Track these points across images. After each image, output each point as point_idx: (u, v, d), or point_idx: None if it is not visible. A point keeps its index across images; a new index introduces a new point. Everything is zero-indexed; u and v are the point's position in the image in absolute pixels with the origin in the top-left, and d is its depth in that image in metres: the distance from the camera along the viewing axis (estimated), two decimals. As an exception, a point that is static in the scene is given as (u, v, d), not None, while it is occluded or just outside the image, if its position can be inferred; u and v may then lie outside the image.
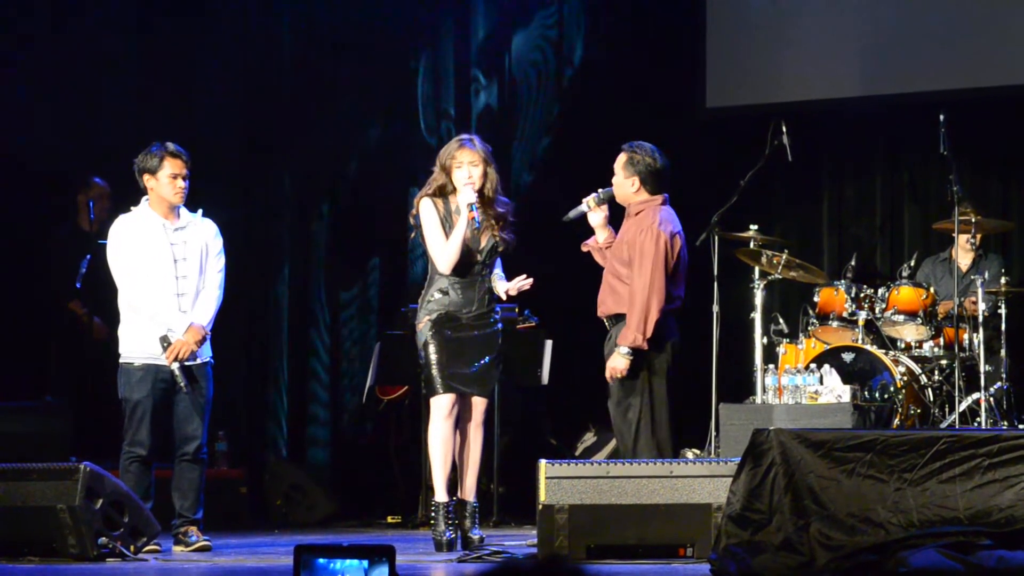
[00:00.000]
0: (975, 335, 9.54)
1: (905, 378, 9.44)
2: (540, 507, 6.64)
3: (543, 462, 6.71)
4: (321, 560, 4.71)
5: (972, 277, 9.75)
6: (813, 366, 9.24)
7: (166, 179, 7.86)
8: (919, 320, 9.71)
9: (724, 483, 6.32)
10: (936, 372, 9.73)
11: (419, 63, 11.57)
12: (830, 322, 9.82)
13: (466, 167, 7.63)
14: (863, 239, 11.33)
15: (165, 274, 7.83)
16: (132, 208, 7.97)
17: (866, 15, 11.18)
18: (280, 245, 11.48)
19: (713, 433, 9.29)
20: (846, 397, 8.99)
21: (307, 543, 4.85)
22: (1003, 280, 9.66)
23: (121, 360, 7.88)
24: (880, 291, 9.79)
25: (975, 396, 9.41)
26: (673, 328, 7.66)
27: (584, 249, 7.98)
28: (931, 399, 9.59)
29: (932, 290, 9.78)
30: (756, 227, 9.68)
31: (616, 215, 7.89)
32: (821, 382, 9.08)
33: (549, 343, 9.75)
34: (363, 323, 11.46)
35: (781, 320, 9.96)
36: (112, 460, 7.91)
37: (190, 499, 7.84)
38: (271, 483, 10.83)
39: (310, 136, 11.43)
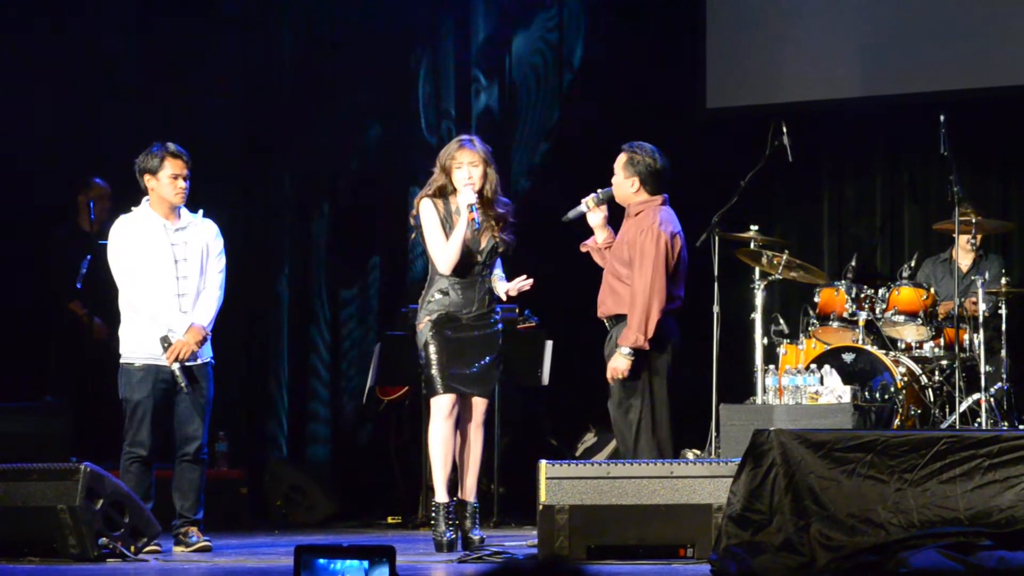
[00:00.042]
0: (975, 336, 9.54)
1: (905, 379, 9.44)
2: (540, 507, 6.64)
3: (543, 463, 6.71)
4: (321, 561, 4.71)
5: (972, 277, 9.75)
6: (813, 366, 9.24)
7: (167, 179, 7.85)
8: (919, 321, 9.71)
9: (724, 484, 6.32)
10: (936, 373, 9.73)
11: (419, 63, 11.57)
12: (830, 322, 9.82)
13: (466, 168, 7.63)
14: (863, 239, 11.34)
15: (166, 274, 7.83)
16: (133, 208, 7.97)
17: (866, 15, 11.18)
18: (280, 245, 11.48)
19: (713, 433, 9.28)
20: (846, 398, 8.99)
21: (307, 543, 4.85)
22: (1003, 280, 9.66)
23: (122, 360, 7.88)
24: (880, 291, 9.79)
25: (975, 397, 9.42)
26: (673, 328, 7.66)
27: (583, 249, 7.97)
28: (931, 400, 9.59)
29: (932, 290, 9.78)
30: (756, 227, 9.68)
31: (615, 215, 7.88)
32: (821, 383, 9.08)
33: (549, 343, 9.74)
34: (363, 324, 11.45)
35: (781, 320, 9.96)
36: (112, 460, 7.91)
37: (190, 499, 7.84)
38: (271, 484, 10.83)
39: (310, 136, 11.43)
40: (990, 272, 9.91)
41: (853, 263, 10.01)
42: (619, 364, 7.53)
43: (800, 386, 9.05)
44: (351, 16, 11.52)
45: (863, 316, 9.73)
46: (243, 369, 11.17)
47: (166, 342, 7.74)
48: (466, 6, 11.62)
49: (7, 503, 7.21)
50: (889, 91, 11.12)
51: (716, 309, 9.44)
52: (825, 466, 5.92)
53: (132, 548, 7.22)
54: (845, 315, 9.77)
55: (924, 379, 9.64)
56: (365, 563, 4.68)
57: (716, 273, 9.46)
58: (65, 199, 10.56)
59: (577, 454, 10.72)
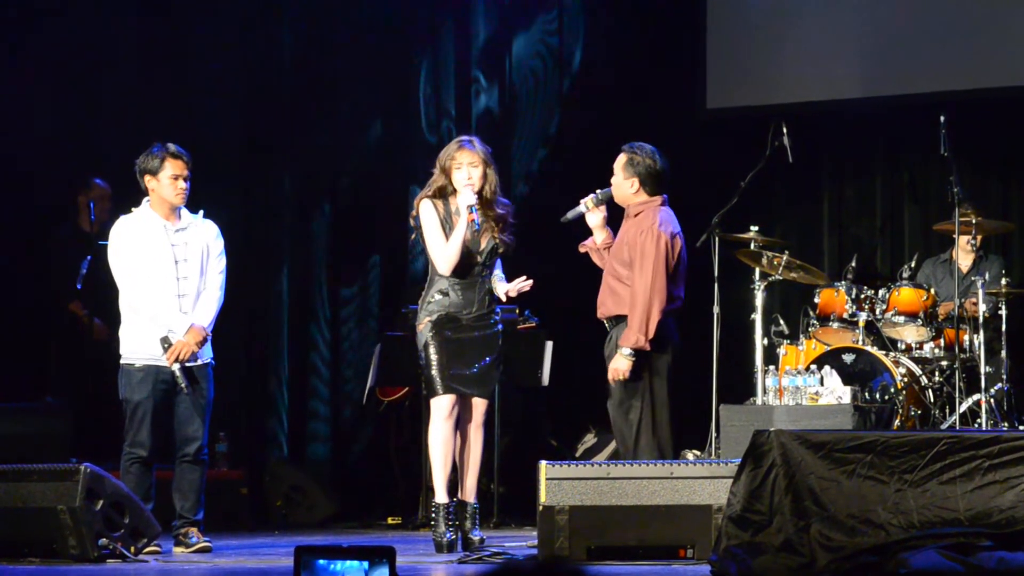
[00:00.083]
0: (975, 336, 9.54)
1: (905, 379, 9.44)
2: (540, 508, 6.64)
3: (543, 463, 6.71)
4: (321, 561, 4.71)
5: (973, 278, 9.75)
6: (814, 367, 9.24)
7: (167, 180, 7.85)
8: (919, 321, 9.71)
9: (724, 484, 6.32)
10: (936, 373, 9.73)
11: (419, 63, 11.56)
12: (830, 323, 9.82)
13: (466, 168, 7.62)
14: (863, 240, 11.33)
15: (166, 275, 7.83)
16: (133, 209, 7.97)
17: (866, 15, 11.18)
18: (280, 245, 11.48)
19: (714, 434, 9.28)
20: (847, 398, 8.99)
21: (307, 544, 4.85)
22: (1004, 281, 9.66)
23: (122, 361, 7.88)
24: (880, 292, 9.79)
25: (976, 397, 9.42)
26: (674, 329, 7.65)
27: (582, 250, 7.97)
28: (931, 400, 9.58)
29: (932, 291, 9.78)
30: (756, 228, 9.68)
31: (614, 216, 7.88)
32: (822, 383, 9.08)
33: (549, 344, 9.74)
34: (362, 324, 11.45)
35: (781, 321, 9.96)
36: (112, 461, 7.91)
37: (191, 500, 7.84)
38: (271, 484, 10.83)
39: (310, 136, 11.42)
40: (990, 273, 9.91)
41: (853, 264, 10.01)
42: (620, 365, 7.53)
43: (800, 387, 9.05)
44: (351, 16, 11.51)
45: (863, 317, 9.73)
46: (243, 369, 11.17)
47: (166, 343, 7.74)
48: (466, 6, 11.62)
49: (7, 504, 7.21)
50: (889, 91, 11.12)
51: (716, 310, 9.44)
52: (825, 467, 5.92)
53: (132, 549, 7.22)
54: (845, 316, 9.77)
55: (924, 380, 9.63)
56: (365, 564, 4.68)
57: (716, 274, 9.46)
58: (65, 199, 10.56)
59: (577, 455, 10.72)
